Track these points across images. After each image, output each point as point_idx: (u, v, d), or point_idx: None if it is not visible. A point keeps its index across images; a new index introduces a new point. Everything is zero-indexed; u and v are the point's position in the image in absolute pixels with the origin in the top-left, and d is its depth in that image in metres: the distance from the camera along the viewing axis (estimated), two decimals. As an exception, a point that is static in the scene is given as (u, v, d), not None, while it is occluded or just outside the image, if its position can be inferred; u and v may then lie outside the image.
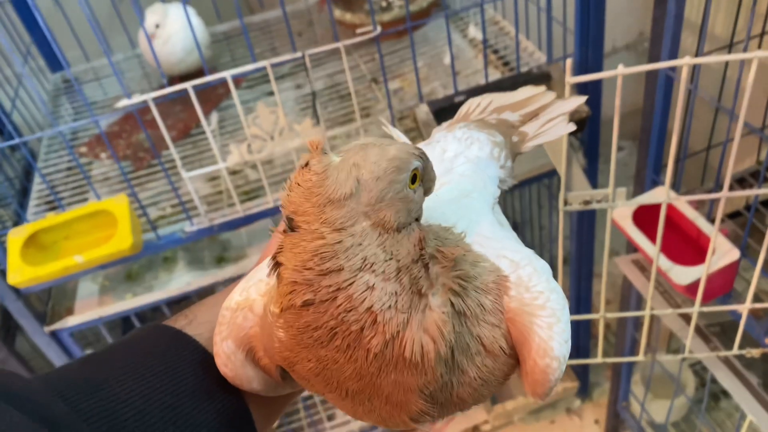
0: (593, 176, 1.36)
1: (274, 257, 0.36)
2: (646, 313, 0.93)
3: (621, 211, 1.08)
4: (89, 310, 1.22)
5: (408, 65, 1.40)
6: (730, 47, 1.08)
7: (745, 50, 0.92)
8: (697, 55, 1.02)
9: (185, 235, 1.15)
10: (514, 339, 0.38)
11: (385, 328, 0.34)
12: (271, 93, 1.39)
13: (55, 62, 1.57)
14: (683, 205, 1.06)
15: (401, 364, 0.34)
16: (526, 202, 1.75)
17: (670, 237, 1.09)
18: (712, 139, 1.19)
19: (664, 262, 1.00)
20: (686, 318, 1.12)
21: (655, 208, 1.02)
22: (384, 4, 1.44)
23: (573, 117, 0.52)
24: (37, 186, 1.29)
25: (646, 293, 1.16)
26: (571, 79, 0.72)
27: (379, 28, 1.05)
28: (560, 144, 0.76)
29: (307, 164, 0.35)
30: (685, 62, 0.70)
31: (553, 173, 1.32)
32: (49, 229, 1.09)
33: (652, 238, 1.03)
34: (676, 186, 1.16)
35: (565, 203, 0.83)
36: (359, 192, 0.34)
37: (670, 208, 1.06)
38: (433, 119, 1.18)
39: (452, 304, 0.35)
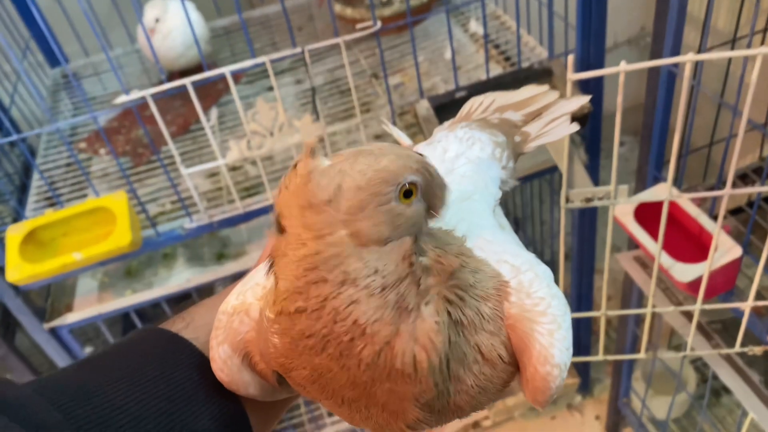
0: (595, 172, 1.35)
1: (271, 257, 0.36)
2: (647, 310, 0.93)
3: (623, 208, 1.07)
4: (89, 306, 1.22)
5: (408, 60, 1.39)
6: (733, 43, 1.07)
7: (749, 46, 0.91)
8: (700, 50, 1.02)
9: (185, 231, 1.14)
10: (514, 346, 0.37)
11: (375, 339, 0.33)
12: (272, 88, 1.39)
13: (54, 57, 1.57)
14: (685, 201, 1.05)
15: (394, 373, 0.34)
16: (527, 197, 1.74)
17: (671, 233, 1.08)
18: (714, 135, 1.19)
19: (665, 260, 1.00)
20: (688, 315, 1.11)
21: (657, 204, 1.02)
22: (384, -2, 1.44)
23: (575, 114, 0.51)
24: (36, 182, 1.29)
25: (648, 290, 1.16)
26: (573, 76, 0.71)
27: (379, 23, 1.04)
28: (562, 141, 0.75)
29: (296, 166, 0.35)
30: (688, 59, 0.69)
31: (554, 169, 1.31)
32: (47, 225, 1.09)
33: (653, 234, 1.02)
34: (678, 182, 1.15)
35: (567, 200, 0.83)
36: (338, 199, 0.33)
37: (672, 204, 1.06)
38: (433, 115, 1.17)
39: (449, 313, 0.35)
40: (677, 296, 1.15)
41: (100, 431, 0.36)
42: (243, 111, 1.01)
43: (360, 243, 0.33)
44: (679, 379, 1.32)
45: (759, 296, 0.90)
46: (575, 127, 0.49)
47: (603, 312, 0.92)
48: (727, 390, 1.49)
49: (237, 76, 1.43)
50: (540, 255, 1.79)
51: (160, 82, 1.02)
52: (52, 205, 1.21)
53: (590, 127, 1.27)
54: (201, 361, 0.43)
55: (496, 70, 1.29)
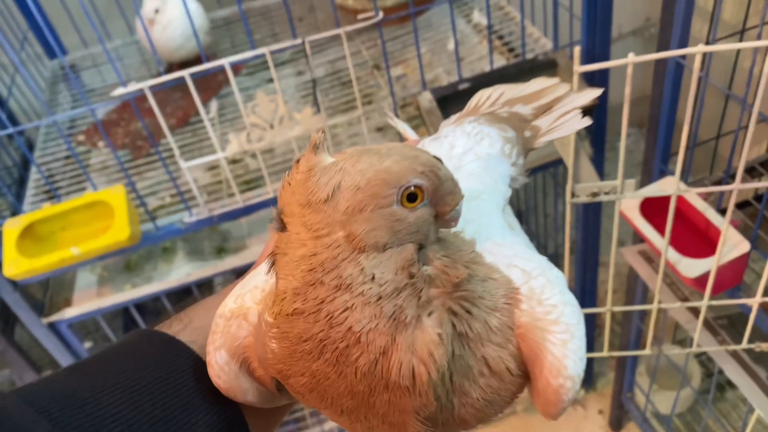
0: (599, 165, 1.34)
1: (272, 255, 0.35)
2: (654, 306, 0.91)
3: (628, 202, 1.06)
4: (88, 301, 1.21)
5: (411, 51, 1.38)
6: (741, 34, 1.06)
7: (759, 38, 0.90)
8: (708, 42, 1.00)
9: (184, 225, 1.13)
10: (524, 356, 0.35)
11: (370, 348, 0.32)
12: (272, 80, 1.37)
13: (52, 49, 1.55)
14: (692, 195, 1.04)
15: (392, 385, 0.32)
16: (531, 190, 1.72)
17: (677, 228, 1.06)
18: (721, 128, 1.17)
19: (672, 255, 0.98)
20: (694, 310, 1.10)
21: (662, 197, 1.00)
22: (386, -12, 1.42)
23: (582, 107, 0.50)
24: (35, 175, 1.27)
25: (653, 284, 1.15)
26: (580, 68, 0.70)
27: (381, 14, 1.03)
28: (569, 135, 0.73)
29: (298, 161, 0.33)
30: (698, 50, 0.67)
31: (559, 162, 1.30)
32: (45, 219, 1.07)
33: (659, 227, 1.01)
34: (684, 176, 1.13)
35: (573, 195, 0.81)
36: (336, 199, 0.32)
37: (678, 198, 1.04)
38: (436, 107, 1.16)
39: (453, 326, 0.33)
40: (683, 291, 1.13)
41: None
42: (243, 103, 0.99)
43: (356, 247, 0.32)
44: (684, 375, 1.31)
45: (767, 292, 0.89)
46: (588, 121, 0.47)
47: (608, 308, 0.90)
48: (731, 384, 1.48)
49: (237, 67, 1.41)
50: (543, 248, 1.78)
51: (159, 74, 1.01)
52: (51, 198, 1.20)
53: (595, 120, 1.26)
54: (198, 365, 0.42)
55: (499, 61, 1.28)
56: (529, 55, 1.24)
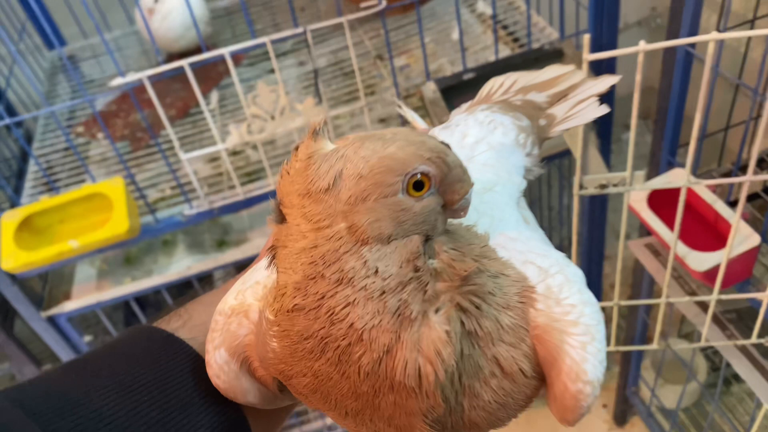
0: (605, 156, 1.32)
1: (272, 248, 0.33)
2: (662, 301, 0.90)
3: (636, 194, 1.04)
4: (87, 294, 1.19)
5: (414, 41, 1.36)
6: (752, 23, 1.04)
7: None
8: (718, 30, 0.98)
9: (185, 218, 1.11)
10: (540, 358, 0.33)
11: (373, 346, 0.30)
12: (273, 70, 1.35)
13: (51, 40, 1.53)
14: (701, 187, 1.02)
15: (397, 386, 0.30)
16: (535, 181, 1.70)
17: (686, 220, 1.05)
18: (730, 120, 1.15)
19: (680, 248, 0.97)
20: (702, 304, 1.08)
21: (670, 189, 0.98)
22: (389, -23, 1.40)
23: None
24: (33, 167, 1.26)
25: (660, 278, 1.13)
26: (589, 57, 0.68)
27: (384, 2, 1.01)
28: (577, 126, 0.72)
29: (297, 149, 0.32)
30: (712, 37, 0.65)
31: (564, 153, 1.28)
32: (43, 212, 1.06)
33: (666, 219, 0.99)
34: (693, 168, 1.11)
35: (581, 187, 0.79)
36: (338, 188, 0.30)
37: (687, 190, 1.02)
38: (440, 97, 1.14)
39: (462, 323, 0.31)
40: (690, 285, 1.12)
41: None
42: (244, 94, 0.97)
43: (359, 239, 0.30)
44: (690, 369, 1.30)
45: (778, 286, 0.87)
46: (605, 108, 0.45)
47: (615, 302, 0.89)
48: (737, 378, 1.47)
49: (237, 57, 1.39)
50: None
51: (158, 65, 0.99)
52: (49, 190, 1.18)
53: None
54: (198, 364, 0.40)
55: (504, 51, 1.26)
56: (535, 45, 1.22)
